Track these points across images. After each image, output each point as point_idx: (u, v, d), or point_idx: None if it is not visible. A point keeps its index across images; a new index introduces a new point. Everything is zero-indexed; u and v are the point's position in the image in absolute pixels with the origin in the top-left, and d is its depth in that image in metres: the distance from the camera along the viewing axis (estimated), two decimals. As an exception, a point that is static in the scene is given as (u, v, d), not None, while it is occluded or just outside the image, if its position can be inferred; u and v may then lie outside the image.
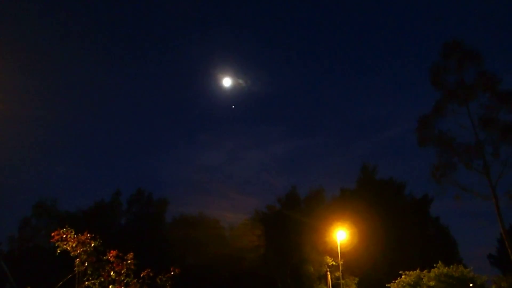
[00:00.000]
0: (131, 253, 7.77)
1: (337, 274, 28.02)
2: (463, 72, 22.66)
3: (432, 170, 23.03)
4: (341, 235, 25.62)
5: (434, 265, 18.59)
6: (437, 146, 23.04)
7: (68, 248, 7.30)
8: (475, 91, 22.10)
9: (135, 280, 7.78)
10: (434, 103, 23.18)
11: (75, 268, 7.22)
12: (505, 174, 21.19)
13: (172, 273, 8.51)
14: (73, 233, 7.43)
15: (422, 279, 18.49)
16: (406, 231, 31.45)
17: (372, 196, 32.75)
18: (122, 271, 7.56)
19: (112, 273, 7.47)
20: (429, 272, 18.50)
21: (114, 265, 7.53)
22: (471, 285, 17.84)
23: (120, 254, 7.51)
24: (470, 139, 22.18)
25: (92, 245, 7.40)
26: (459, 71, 22.71)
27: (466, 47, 22.80)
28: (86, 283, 7.28)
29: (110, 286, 7.31)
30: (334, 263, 29.04)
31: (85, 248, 7.37)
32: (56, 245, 7.20)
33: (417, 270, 19.00)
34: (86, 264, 7.29)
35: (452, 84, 22.85)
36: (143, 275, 7.94)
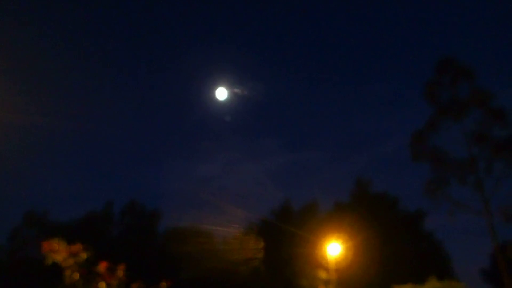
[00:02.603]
0: (123, 265, 7.70)
1: (330, 288, 27.85)
2: (456, 88, 22.93)
3: (425, 185, 23.16)
4: (334, 248, 25.51)
5: (427, 279, 18.54)
6: (430, 161, 23.19)
7: (59, 259, 7.21)
8: (469, 107, 22.33)
9: (126, 292, 7.70)
10: (427, 119, 23.41)
11: (66, 280, 7.14)
12: (498, 190, 21.34)
13: (163, 286, 8.43)
14: (65, 243, 7.35)
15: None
16: (400, 245, 31.39)
17: (366, 210, 32.74)
18: (113, 283, 7.49)
19: (103, 285, 7.40)
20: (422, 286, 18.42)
21: (105, 277, 7.46)
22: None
23: (111, 266, 7.45)
24: (463, 155, 22.36)
25: (84, 256, 7.33)
26: (453, 87, 22.97)
27: (460, 63, 23.10)
28: (76, 295, 7.20)
29: (101, 298, 7.24)
30: (327, 277, 28.87)
31: (76, 259, 7.30)
32: (47, 256, 7.12)
33: (410, 285, 18.92)
34: (76, 276, 7.21)
35: (446, 100, 23.09)
36: (134, 288, 7.87)
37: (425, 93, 23.73)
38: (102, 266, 7.48)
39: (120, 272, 7.63)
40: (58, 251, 7.23)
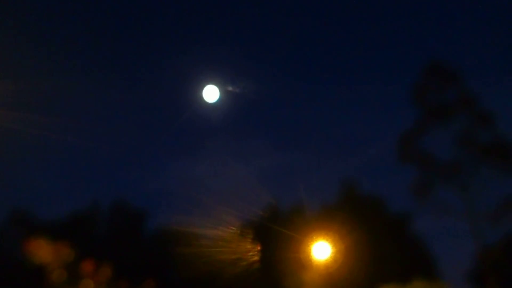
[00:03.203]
0: (109, 264, 7.64)
1: (317, 289, 27.88)
2: (444, 92, 23.11)
3: (412, 188, 23.33)
4: (322, 250, 25.56)
5: (413, 280, 18.66)
6: (417, 163, 23.35)
7: (44, 258, 7.13)
8: (456, 111, 22.56)
9: (112, 292, 7.64)
10: (414, 121, 23.59)
11: (51, 279, 7.05)
12: (483, 193, 21.57)
13: (149, 285, 8.39)
14: (50, 242, 7.27)
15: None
16: (386, 246, 31.52)
17: (354, 211, 32.78)
18: (99, 282, 7.43)
19: (89, 284, 7.34)
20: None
21: (91, 275, 7.40)
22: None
23: (97, 265, 7.40)
24: (450, 158, 22.57)
25: (69, 255, 7.26)
26: (440, 91, 23.15)
27: (448, 67, 23.27)
28: (61, 294, 7.12)
29: (86, 298, 7.17)
30: (314, 278, 28.90)
31: (61, 259, 7.22)
32: (31, 255, 7.04)
33: (395, 285, 19.01)
34: (62, 275, 7.14)
35: (433, 103, 23.26)
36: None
37: (412, 96, 23.93)
38: (87, 265, 7.42)
39: (106, 271, 7.58)
40: (43, 250, 7.14)
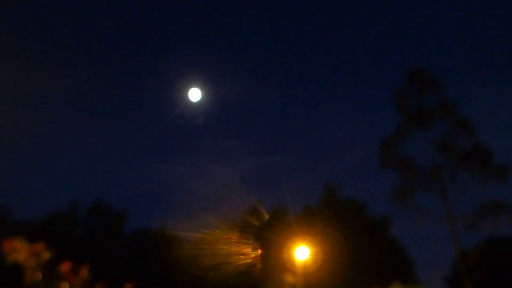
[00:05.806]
0: (86, 266, 7.54)
1: (297, 292, 27.93)
2: (424, 98, 23.55)
3: (392, 192, 23.69)
4: (302, 252, 25.63)
5: (392, 284, 18.89)
6: (397, 169, 23.70)
7: (21, 258, 6.98)
8: (436, 117, 22.99)
9: (89, 294, 7.54)
10: (396, 127, 23.95)
11: (27, 280, 6.92)
12: (462, 198, 22.04)
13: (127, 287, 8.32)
14: (27, 243, 7.13)
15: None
16: (366, 250, 31.84)
17: (334, 215, 33.06)
18: (76, 284, 7.33)
19: (65, 285, 7.23)
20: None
21: (68, 277, 7.28)
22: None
23: (75, 266, 7.29)
24: (429, 163, 22.97)
25: (46, 256, 7.13)
26: (421, 97, 23.59)
27: (428, 74, 23.74)
28: (38, 295, 6.99)
29: (63, 300, 7.07)
30: (294, 281, 28.94)
31: (38, 259, 7.09)
32: (8, 255, 6.89)
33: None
34: (38, 276, 7.01)
35: (414, 109, 23.67)
36: (97, 289, 7.71)
37: (394, 102, 24.29)
38: (65, 267, 7.30)
39: (84, 272, 7.48)
40: (20, 251, 7.00)
